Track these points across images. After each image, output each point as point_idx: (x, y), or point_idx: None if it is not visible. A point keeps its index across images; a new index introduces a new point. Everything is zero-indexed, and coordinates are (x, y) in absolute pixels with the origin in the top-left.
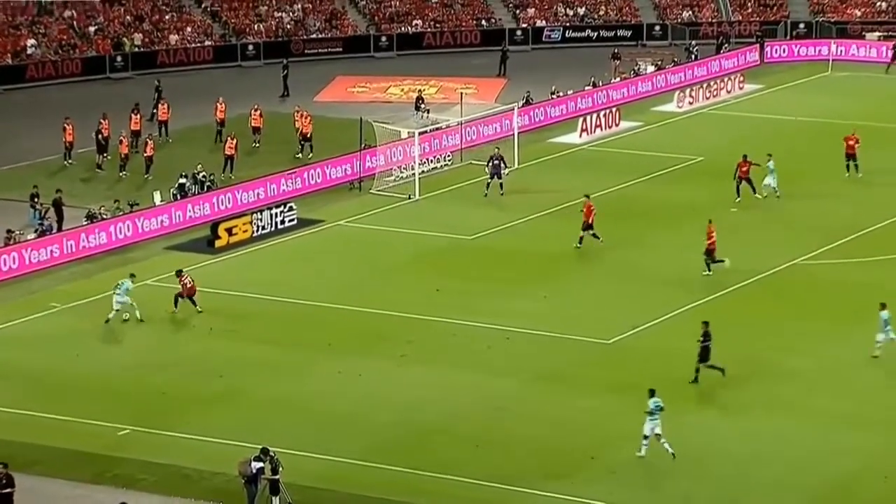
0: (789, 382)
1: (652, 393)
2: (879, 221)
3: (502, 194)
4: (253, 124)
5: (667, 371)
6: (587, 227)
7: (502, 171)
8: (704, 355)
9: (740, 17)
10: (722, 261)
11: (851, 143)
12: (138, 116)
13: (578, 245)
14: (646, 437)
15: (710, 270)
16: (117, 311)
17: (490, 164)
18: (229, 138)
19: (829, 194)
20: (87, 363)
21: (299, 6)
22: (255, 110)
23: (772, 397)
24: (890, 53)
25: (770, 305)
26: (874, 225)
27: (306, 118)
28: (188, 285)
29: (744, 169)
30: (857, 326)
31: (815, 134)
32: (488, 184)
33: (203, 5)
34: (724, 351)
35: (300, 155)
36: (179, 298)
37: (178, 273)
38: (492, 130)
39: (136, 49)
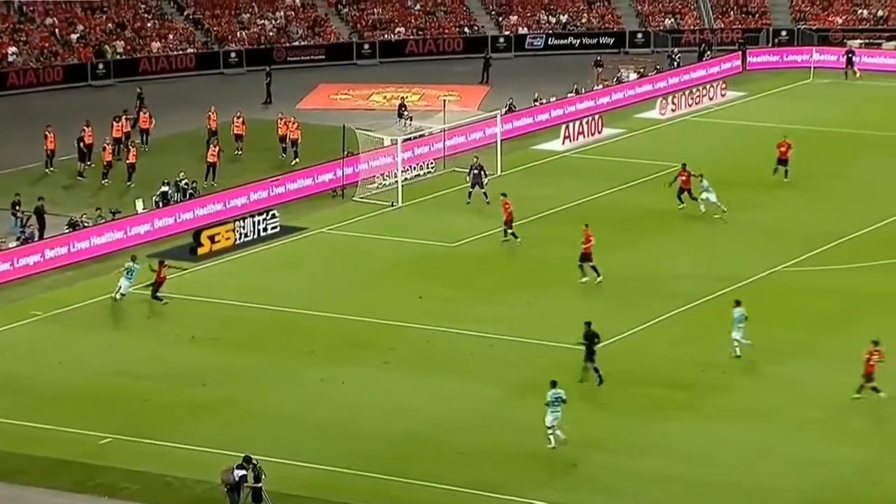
0: (773, 390)
1: (553, 384)
2: (860, 228)
3: (488, 202)
4: (235, 132)
5: (649, 378)
6: (507, 223)
7: (483, 180)
8: (590, 355)
9: (722, 25)
10: (596, 272)
11: (783, 149)
12: (120, 124)
13: (504, 239)
14: (550, 429)
15: (585, 276)
16: (123, 295)
17: (470, 173)
18: (212, 146)
19: (809, 202)
20: (69, 371)
21: (282, 14)
22: (238, 118)
23: (756, 405)
24: (844, 59)
25: (751, 313)
26: (854, 232)
27: (294, 124)
28: (162, 276)
29: (683, 178)
30: (838, 334)
31: (796, 141)
32: (470, 192)
33: (185, 13)
34: (705, 358)
35: (297, 160)
36: (157, 289)
37: (161, 262)
38: (475, 138)
39: (118, 56)
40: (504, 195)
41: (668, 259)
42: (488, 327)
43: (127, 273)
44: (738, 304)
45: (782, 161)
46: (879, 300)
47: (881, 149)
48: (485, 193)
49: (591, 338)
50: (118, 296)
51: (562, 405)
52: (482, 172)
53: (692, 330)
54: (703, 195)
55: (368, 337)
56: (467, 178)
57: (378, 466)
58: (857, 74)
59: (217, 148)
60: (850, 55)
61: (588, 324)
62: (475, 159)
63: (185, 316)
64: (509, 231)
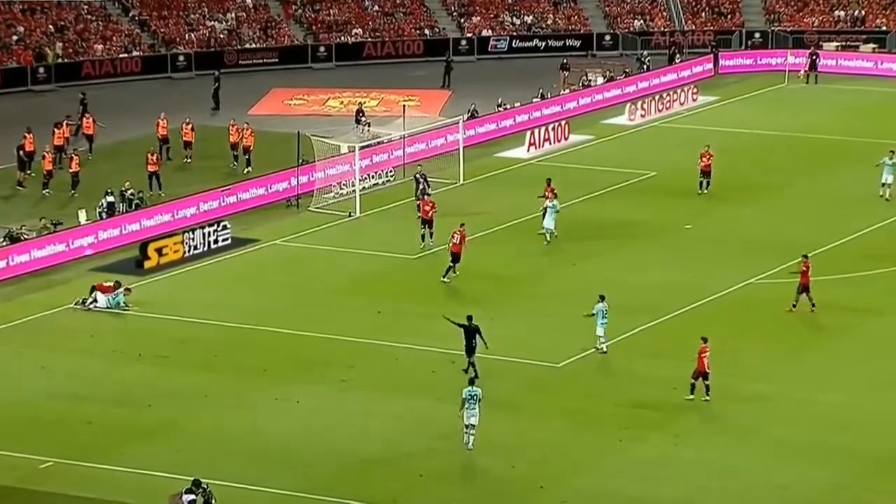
0: (744, 409)
1: (471, 382)
2: (836, 239)
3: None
4: (184, 139)
5: (618, 396)
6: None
7: (426, 190)
8: (471, 349)
9: (693, 27)
10: (450, 271)
11: (705, 159)
12: (61, 130)
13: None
14: (469, 427)
15: (446, 277)
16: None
17: (415, 183)
18: (149, 154)
19: (783, 211)
20: (7, 391)
21: (233, 15)
22: (187, 124)
23: (727, 424)
24: (807, 62)
25: (724, 327)
26: (831, 243)
27: (247, 131)
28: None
29: (548, 195)
30: (815, 349)
31: (771, 148)
32: (418, 205)
33: (131, 14)
34: (676, 375)
35: (249, 169)
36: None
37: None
38: (436, 144)
39: (60, 60)
40: (429, 195)
41: (637, 271)
42: (451, 343)
43: (113, 298)
44: (602, 298)
45: (705, 173)
46: (857, 313)
47: (858, 155)
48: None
49: (472, 332)
50: (90, 305)
51: (478, 404)
52: (425, 183)
53: (663, 346)
54: (547, 216)
55: (324, 354)
56: (415, 192)
57: (335, 490)
58: (800, 77)
59: (156, 156)
60: (814, 57)
61: (469, 318)
62: (419, 168)
63: (131, 333)
64: (429, 232)
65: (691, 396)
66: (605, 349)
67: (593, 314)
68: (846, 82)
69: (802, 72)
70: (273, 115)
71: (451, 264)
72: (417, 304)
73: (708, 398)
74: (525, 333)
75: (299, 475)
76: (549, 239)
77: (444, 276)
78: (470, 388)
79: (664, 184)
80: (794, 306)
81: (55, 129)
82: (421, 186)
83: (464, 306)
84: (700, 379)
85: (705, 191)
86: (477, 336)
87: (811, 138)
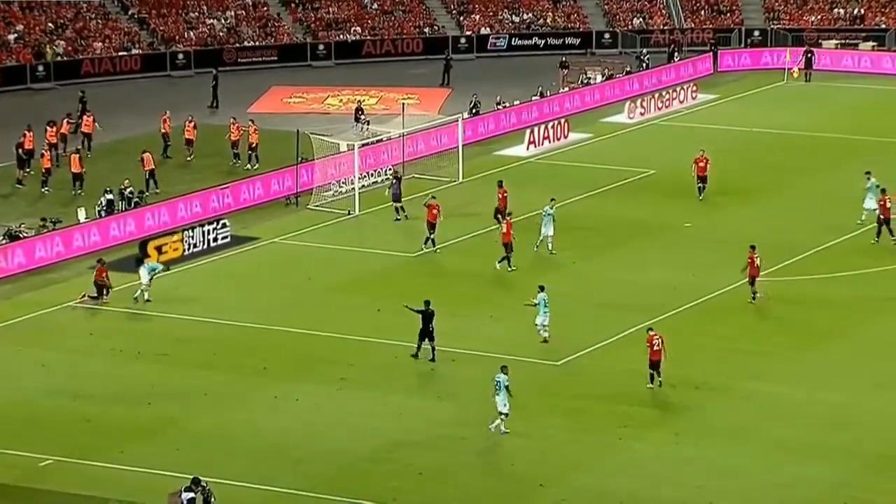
0: (744, 408)
1: (503, 369)
2: (835, 237)
3: (407, 217)
4: (186, 136)
5: (618, 393)
6: (430, 227)
7: (399, 196)
8: (428, 334)
9: (693, 25)
10: (507, 261)
11: (701, 164)
12: (54, 129)
13: (423, 248)
14: (502, 415)
15: (511, 267)
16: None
17: (390, 187)
18: (142, 153)
19: (783, 210)
20: (6, 390)
21: (232, 13)
22: (190, 122)
23: (726, 423)
24: (802, 59)
25: (723, 326)
26: (830, 241)
27: (252, 128)
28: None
29: (500, 197)
30: (814, 347)
31: (771, 146)
32: (397, 208)
33: (130, 12)
34: (676, 374)
35: (257, 165)
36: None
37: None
38: (435, 143)
39: (59, 58)
40: (433, 197)
41: (636, 270)
42: (450, 341)
43: (151, 270)
44: (541, 289)
45: (701, 178)
46: (857, 313)
47: (858, 154)
48: (402, 208)
49: (428, 317)
50: (142, 292)
51: (504, 391)
52: (399, 184)
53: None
54: (543, 230)
55: (324, 352)
56: (387, 194)
57: (334, 488)
58: (795, 76)
59: (147, 154)
60: (809, 55)
61: (427, 303)
62: (397, 171)
63: (131, 331)
64: (430, 237)
65: (651, 385)
66: (546, 338)
67: (535, 304)
68: (845, 80)
69: (797, 69)
70: (272, 113)
71: (506, 254)
72: (417, 302)
73: (651, 386)
74: (525, 332)
75: (299, 473)
76: (550, 247)
77: (509, 267)
78: (501, 375)
79: (663, 182)
80: (755, 296)
81: (48, 128)
82: (393, 190)
83: (464, 305)
84: (652, 369)
85: (700, 197)
86: (433, 321)
87: (811, 136)
